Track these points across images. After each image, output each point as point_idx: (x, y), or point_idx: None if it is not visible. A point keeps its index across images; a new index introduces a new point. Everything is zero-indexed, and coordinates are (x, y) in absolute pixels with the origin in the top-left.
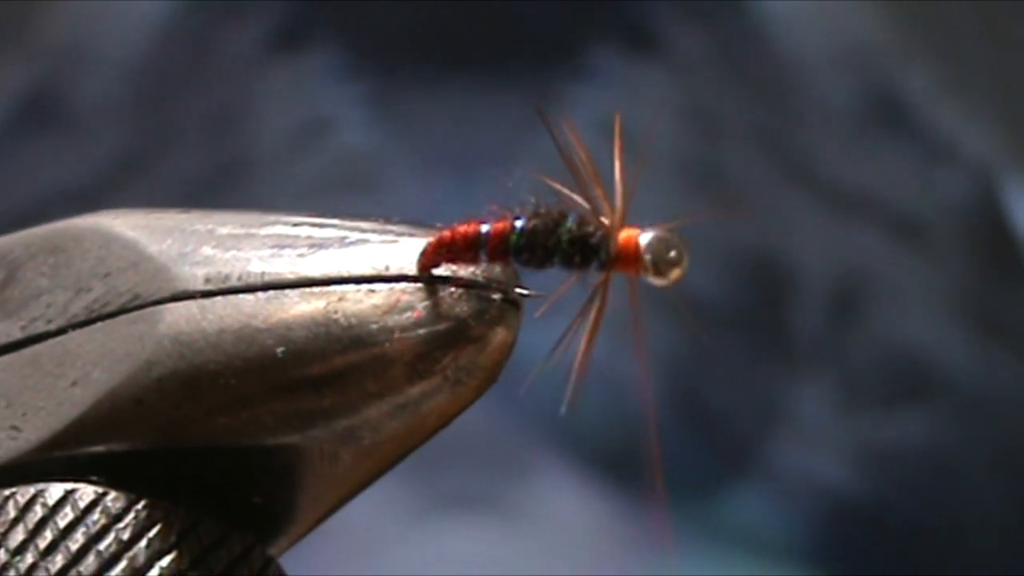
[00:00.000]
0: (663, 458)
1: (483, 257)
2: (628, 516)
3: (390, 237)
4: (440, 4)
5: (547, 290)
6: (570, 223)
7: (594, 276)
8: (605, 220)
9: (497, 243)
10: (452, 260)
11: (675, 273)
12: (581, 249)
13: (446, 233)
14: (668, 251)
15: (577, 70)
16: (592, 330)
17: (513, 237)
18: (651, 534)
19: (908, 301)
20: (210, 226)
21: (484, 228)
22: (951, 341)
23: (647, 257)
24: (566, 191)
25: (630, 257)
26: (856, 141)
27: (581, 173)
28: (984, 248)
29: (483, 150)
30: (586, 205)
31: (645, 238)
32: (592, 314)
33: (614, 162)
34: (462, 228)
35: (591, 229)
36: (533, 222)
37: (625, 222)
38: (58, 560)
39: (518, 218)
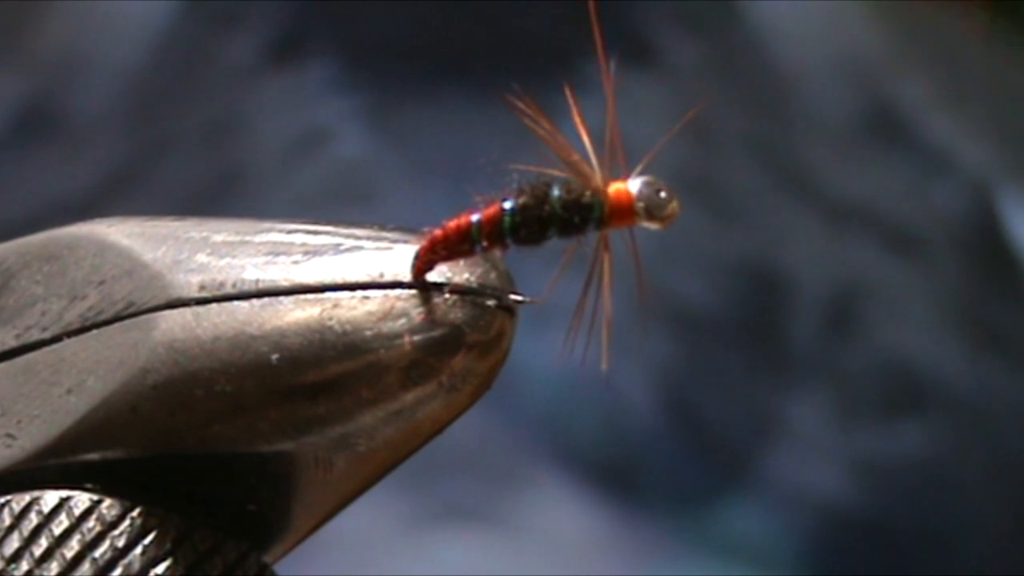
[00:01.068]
0: (659, 469)
1: (479, 247)
2: (622, 527)
3: (384, 244)
4: (435, 16)
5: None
6: (557, 191)
7: (589, 246)
8: (591, 181)
9: (491, 228)
10: (448, 257)
11: (670, 214)
12: (576, 211)
13: (438, 232)
14: (658, 193)
15: (572, 80)
16: (607, 286)
17: (506, 218)
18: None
19: (904, 313)
20: (205, 233)
21: (475, 217)
22: (947, 353)
23: (640, 204)
24: (547, 170)
25: (624, 208)
26: (852, 152)
27: (556, 146)
28: (980, 260)
29: (478, 160)
30: (569, 173)
31: (634, 186)
32: (602, 272)
33: (579, 130)
34: (453, 223)
35: (580, 190)
36: (522, 199)
37: (609, 178)
38: (53, 568)
39: (506, 199)
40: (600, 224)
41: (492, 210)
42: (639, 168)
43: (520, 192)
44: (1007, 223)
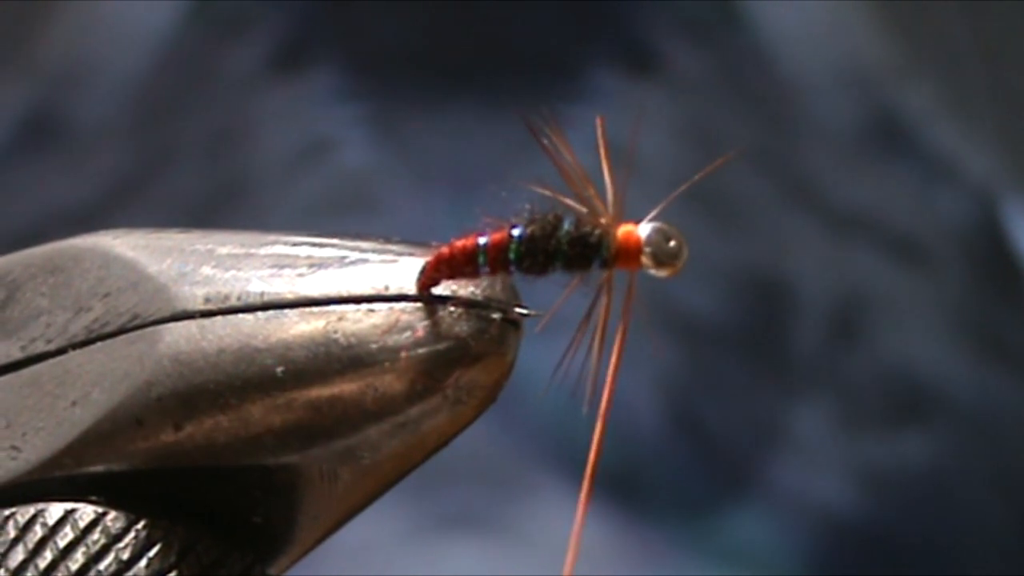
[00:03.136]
0: (663, 478)
1: (483, 269)
2: (627, 536)
3: (389, 256)
4: (439, 25)
5: (546, 308)
6: (567, 225)
7: (595, 277)
8: (602, 218)
9: (497, 253)
10: (452, 275)
11: (676, 264)
12: (582, 249)
13: (444, 249)
14: (668, 242)
15: (576, 90)
16: (600, 330)
17: (512, 245)
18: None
19: (908, 321)
20: (210, 246)
21: (482, 240)
22: (951, 361)
23: (647, 250)
24: (560, 196)
25: (630, 252)
26: (856, 161)
27: (572, 176)
28: (984, 268)
29: (481, 170)
30: (581, 208)
31: (644, 231)
32: (598, 314)
33: (602, 164)
34: (460, 242)
35: (589, 228)
36: (531, 228)
37: (621, 218)
38: None
39: (515, 227)
40: (605, 264)
41: (499, 236)
42: (653, 213)
43: (531, 220)
44: (1012, 232)
